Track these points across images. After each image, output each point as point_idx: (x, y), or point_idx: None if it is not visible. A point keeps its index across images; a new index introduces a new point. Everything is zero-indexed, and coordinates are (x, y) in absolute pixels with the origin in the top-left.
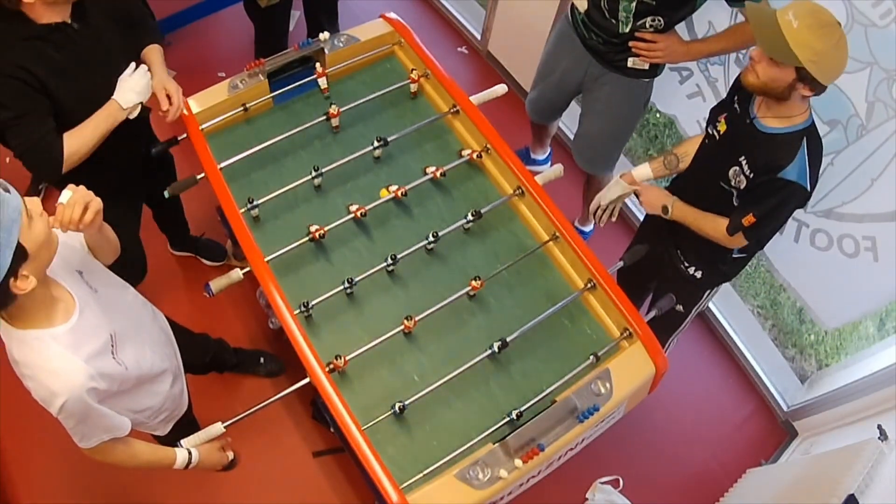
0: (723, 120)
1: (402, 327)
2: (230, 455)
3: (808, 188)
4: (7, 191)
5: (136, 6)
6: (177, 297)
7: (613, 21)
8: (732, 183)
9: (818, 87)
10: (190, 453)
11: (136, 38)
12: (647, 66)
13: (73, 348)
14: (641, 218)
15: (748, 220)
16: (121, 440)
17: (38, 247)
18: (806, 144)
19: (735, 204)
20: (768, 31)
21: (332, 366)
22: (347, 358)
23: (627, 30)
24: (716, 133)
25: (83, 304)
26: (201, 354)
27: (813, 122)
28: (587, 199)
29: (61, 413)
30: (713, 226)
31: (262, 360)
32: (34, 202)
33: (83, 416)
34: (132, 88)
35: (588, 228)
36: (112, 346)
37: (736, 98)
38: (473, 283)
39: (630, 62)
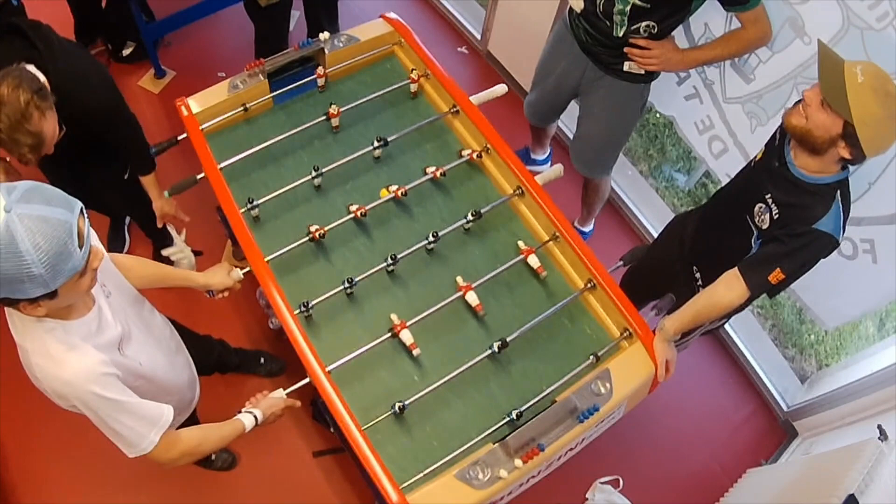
0: (763, 147)
1: (394, 331)
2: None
3: (839, 242)
4: (81, 246)
5: (116, 134)
6: (176, 297)
7: (608, 23)
8: (756, 220)
9: (857, 154)
10: (255, 416)
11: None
12: (643, 71)
13: (85, 339)
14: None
15: (776, 276)
16: (181, 433)
17: (69, 296)
18: (840, 197)
19: (753, 245)
20: (832, 73)
21: (392, 331)
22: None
23: (622, 33)
24: (752, 160)
25: (100, 302)
26: (206, 356)
27: (847, 175)
28: (585, 202)
29: (80, 406)
30: (713, 299)
31: (262, 360)
32: (98, 257)
33: (111, 408)
34: None
35: (587, 229)
36: (119, 345)
37: (779, 131)
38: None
39: (626, 66)
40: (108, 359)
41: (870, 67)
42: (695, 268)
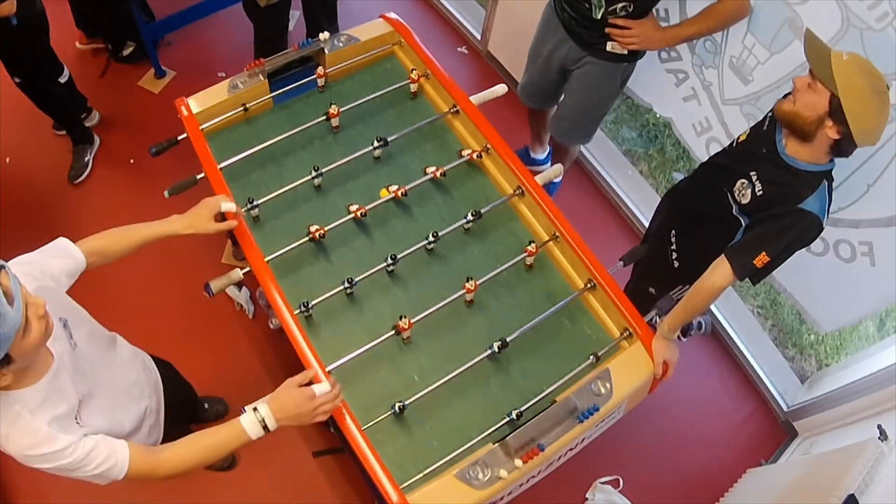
0: (748, 130)
1: (397, 329)
2: (322, 388)
3: (824, 226)
4: (11, 303)
5: None
6: (173, 301)
7: (587, 5)
8: (736, 195)
9: (845, 132)
10: (261, 417)
11: None
12: (626, 52)
13: (31, 411)
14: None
15: (762, 259)
16: (149, 453)
17: (26, 354)
18: (827, 185)
19: (738, 217)
20: (818, 49)
21: (397, 328)
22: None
23: (600, 15)
24: (735, 140)
25: (60, 363)
26: (186, 400)
27: (833, 167)
28: (554, 160)
29: (44, 467)
30: (699, 284)
31: (206, 405)
32: (38, 305)
33: (62, 471)
34: None
35: (541, 157)
36: (77, 412)
37: (769, 118)
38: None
39: (609, 46)
40: (52, 433)
41: (856, 55)
42: (672, 232)
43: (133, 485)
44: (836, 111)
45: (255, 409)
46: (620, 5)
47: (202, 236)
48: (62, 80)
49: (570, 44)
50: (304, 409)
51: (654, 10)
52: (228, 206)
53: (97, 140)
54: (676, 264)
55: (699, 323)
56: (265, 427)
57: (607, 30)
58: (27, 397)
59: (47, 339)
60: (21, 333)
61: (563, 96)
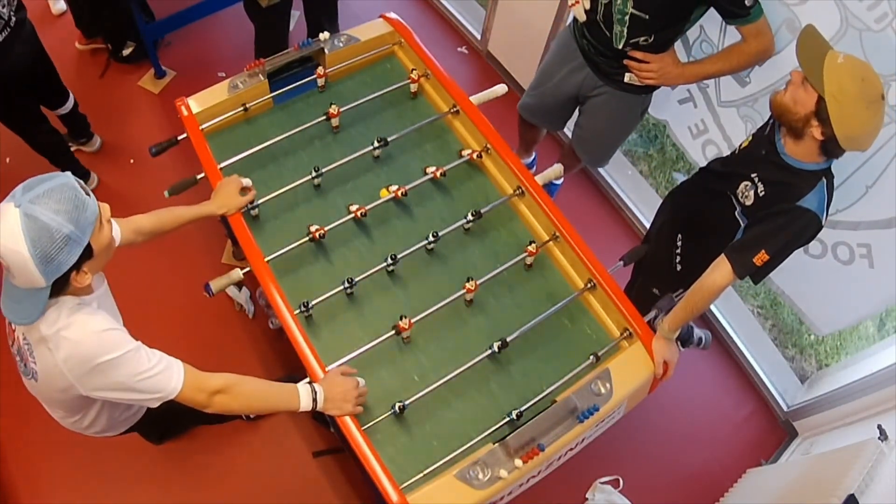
0: (751, 136)
1: (397, 329)
2: (361, 382)
3: (822, 223)
4: (88, 195)
5: None
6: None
7: (608, 34)
8: (740, 197)
9: (828, 133)
10: (314, 392)
11: None
12: (643, 83)
13: (96, 307)
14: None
15: (761, 258)
16: (198, 371)
17: (101, 249)
18: (825, 182)
19: (737, 218)
20: (812, 51)
21: (397, 328)
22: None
23: (621, 45)
24: (738, 147)
25: (107, 287)
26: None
27: (830, 164)
28: (563, 161)
29: (96, 376)
30: (700, 283)
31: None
32: (105, 209)
33: (126, 366)
34: None
35: (526, 161)
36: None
37: (771, 121)
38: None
39: (627, 77)
40: (114, 322)
41: (854, 58)
42: (679, 236)
43: (134, 484)
44: (821, 113)
45: (310, 383)
46: (642, 38)
47: (202, 235)
48: (66, 109)
49: (586, 71)
50: (349, 397)
51: (674, 46)
52: (246, 181)
53: (94, 177)
54: (679, 268)
55: (700, 338)
56: (315, 402)
57: (626, 61)
58: (86, 300)
59: (114, 243)
60: (98, 225)
61: (581, 121)
